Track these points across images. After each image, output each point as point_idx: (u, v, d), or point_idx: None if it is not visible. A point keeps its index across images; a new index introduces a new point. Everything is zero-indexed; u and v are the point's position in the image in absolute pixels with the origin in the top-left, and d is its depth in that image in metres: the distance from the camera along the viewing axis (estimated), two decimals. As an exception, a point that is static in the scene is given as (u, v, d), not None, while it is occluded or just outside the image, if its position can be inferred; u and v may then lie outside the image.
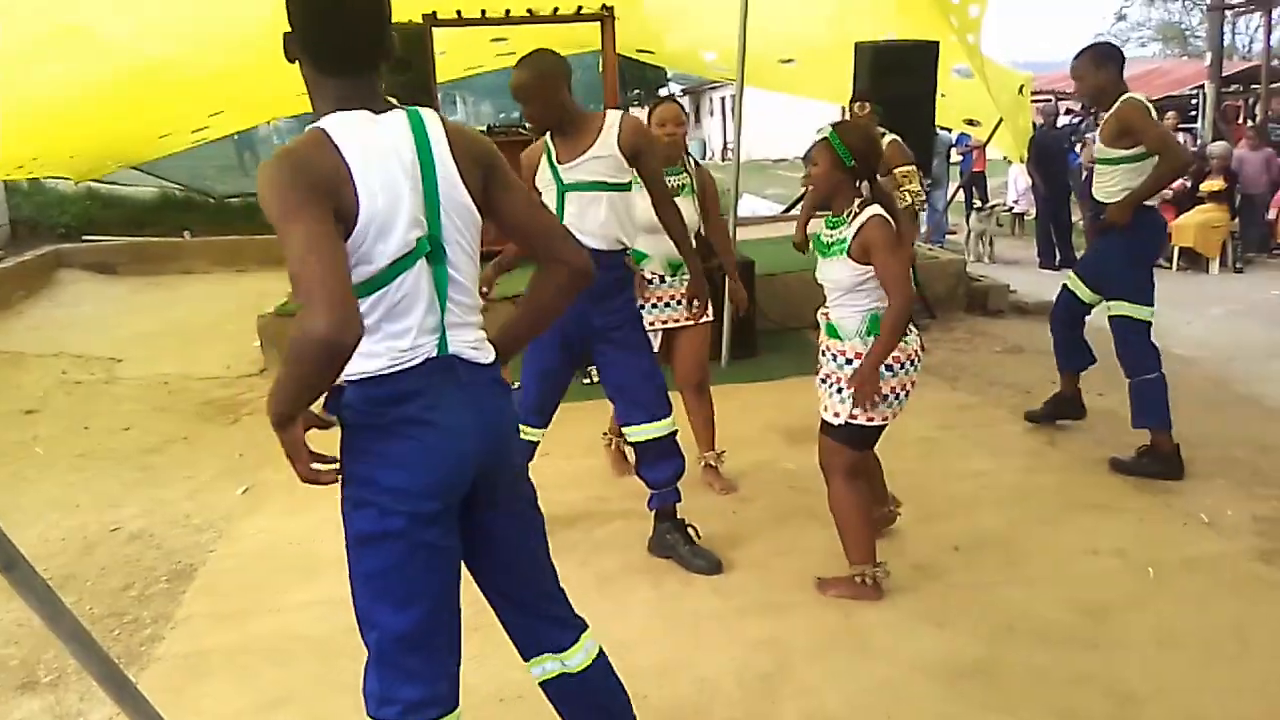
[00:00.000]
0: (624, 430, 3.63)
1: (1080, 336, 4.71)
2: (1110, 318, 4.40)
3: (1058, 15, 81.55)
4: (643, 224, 3.70)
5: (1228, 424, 4.99)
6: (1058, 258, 10.88)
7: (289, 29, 1.79)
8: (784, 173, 20.76)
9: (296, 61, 1.82)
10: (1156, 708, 2.68)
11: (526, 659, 2.17)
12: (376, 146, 1.74)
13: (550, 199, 3.34)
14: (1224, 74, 12.93)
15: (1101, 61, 4.28)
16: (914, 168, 5.70)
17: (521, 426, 2.97)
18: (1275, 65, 13.02)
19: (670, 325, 4.15)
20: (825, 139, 3.08)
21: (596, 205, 3.32)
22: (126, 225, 11.96)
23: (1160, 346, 4.36)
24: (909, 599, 3.30)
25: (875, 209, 3.03)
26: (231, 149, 15.08)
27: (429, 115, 1.85)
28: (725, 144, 33.63)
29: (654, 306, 4.11)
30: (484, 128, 9.75)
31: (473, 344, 1.90)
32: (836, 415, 3.16)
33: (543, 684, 2.17)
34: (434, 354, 1.82)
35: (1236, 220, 10.36)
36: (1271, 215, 10.58)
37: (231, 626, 3.35)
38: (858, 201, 3.08)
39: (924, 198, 5.38)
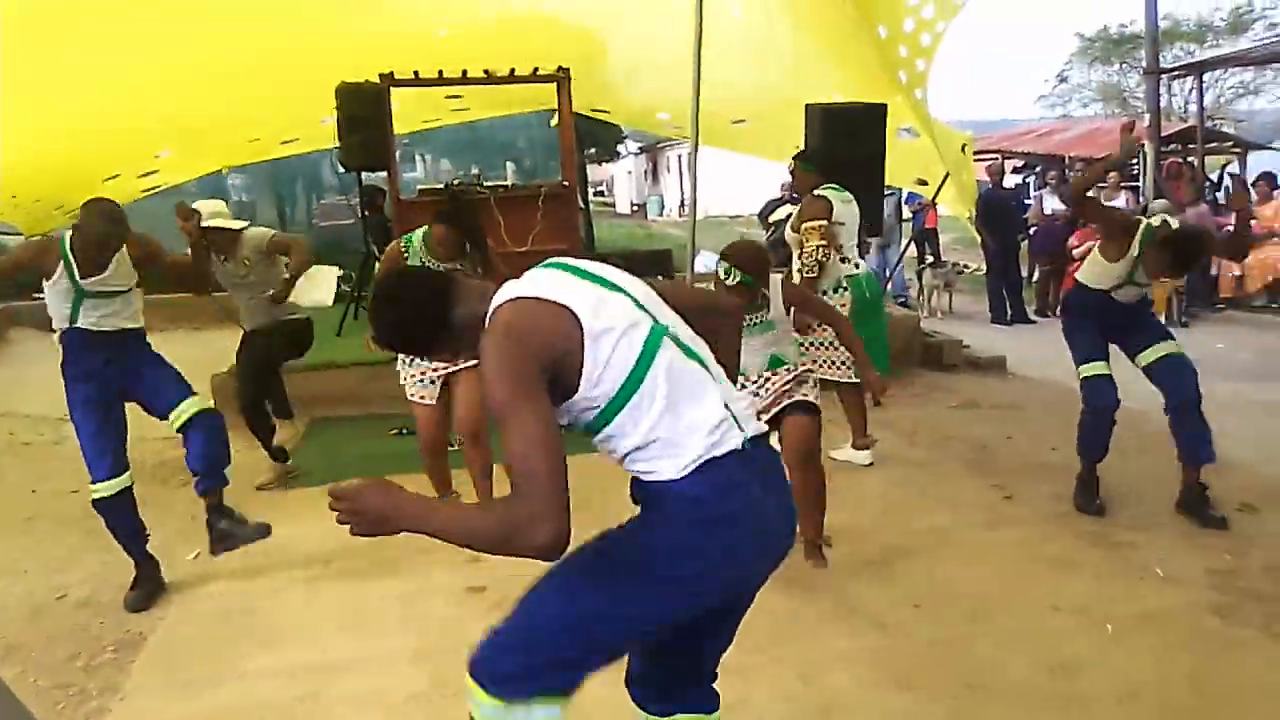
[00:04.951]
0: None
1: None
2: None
3: (999, 77, 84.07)
4: None
5: (1176, 476, 5.05)
6: (1009, 313, 11.11)
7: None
8: (740, 229, 21.07)
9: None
10: (1120, 765, 2.69)
11: (652, 711, 2.17)
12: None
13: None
14: (1162, 134, 13.33)
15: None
16: (821, 223, 5.10)
17: None
18: (1209, 126, 13.41)
19: (449, 369, 4.36)
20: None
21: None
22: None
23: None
24: (872, 658, 3.29)
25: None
26: (189, 208, 14.90)
27: None
28: (681, 201, 34.09)
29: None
30: (443, 184, 9.76)
31: None
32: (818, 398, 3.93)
33: None
34: None
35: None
36: (1214, 271, 10.86)
37: (185, 697, 3.25)
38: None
39: (823, 256, 5.04)
